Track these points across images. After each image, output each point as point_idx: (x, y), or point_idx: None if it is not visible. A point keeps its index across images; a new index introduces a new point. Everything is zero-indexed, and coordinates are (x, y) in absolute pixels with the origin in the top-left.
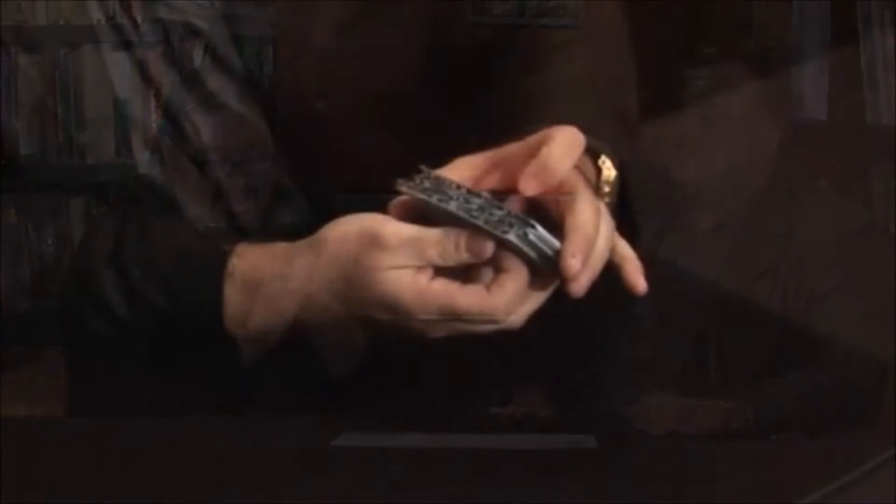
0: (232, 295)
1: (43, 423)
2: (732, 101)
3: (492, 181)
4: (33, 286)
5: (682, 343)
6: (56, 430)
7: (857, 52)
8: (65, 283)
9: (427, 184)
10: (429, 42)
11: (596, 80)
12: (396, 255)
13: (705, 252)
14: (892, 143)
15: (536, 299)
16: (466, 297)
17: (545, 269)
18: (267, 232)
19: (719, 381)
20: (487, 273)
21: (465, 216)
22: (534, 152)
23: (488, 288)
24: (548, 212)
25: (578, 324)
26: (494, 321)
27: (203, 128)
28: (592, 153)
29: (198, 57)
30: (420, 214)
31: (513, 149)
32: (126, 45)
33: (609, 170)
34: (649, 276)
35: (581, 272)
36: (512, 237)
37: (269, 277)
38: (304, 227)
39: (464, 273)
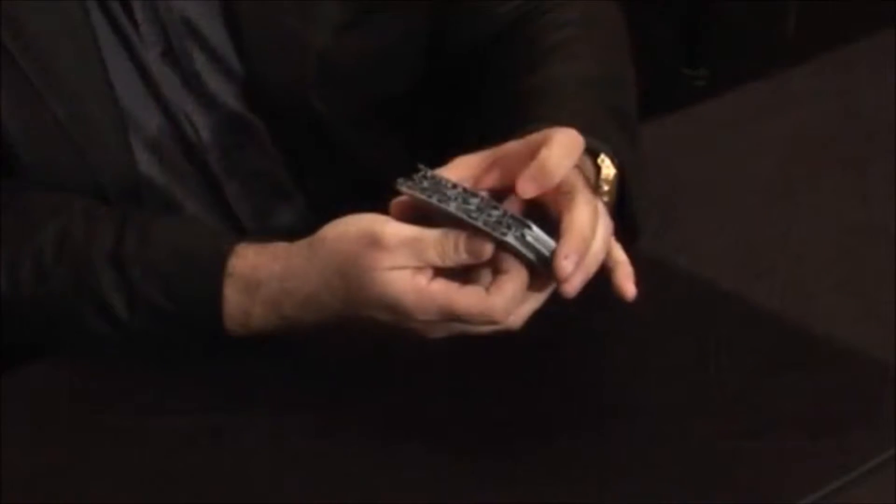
0: (232, 295)
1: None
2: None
3: (491, 180)
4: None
5: None
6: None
7: None
8: (64, 283)
9: (425, 183)
10: (428, 41)
11: (596, 80)
12: (396, 255)
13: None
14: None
15: (536, 300)
16: (466, 297)
17: (542, 269)
18: (267, 232)
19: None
20: (487, 274)
21: (465, 217)
22: (533, 152)
23: (487, 289)
24: (546, 211)
25: None
26: (493, 322)
27: (203, 128)
28: (592, 151)
29: (198, 57)
30: (420, 214)
31: (512, 147)
32: (126, 45)
33: (608, 168)
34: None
35: (574, 273)
36: (510, 239)
37: (268, 277)
38: (304, 227)
39: (463, 274)
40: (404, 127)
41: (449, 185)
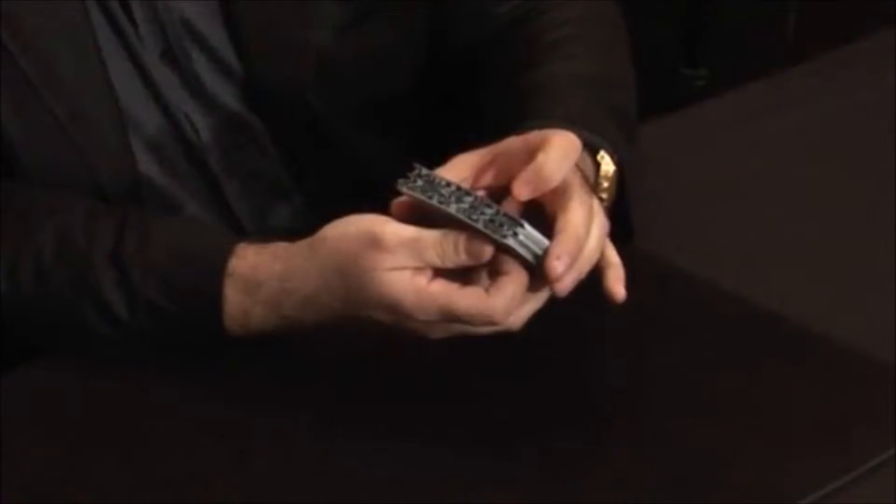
0: (232, 295)
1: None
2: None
3: (489, 178)
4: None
5: None
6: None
7: None
8: (64, 283)
9: (419, 182)
10: (427, 41)
11: (595, 78)
12: (396, 255)
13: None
14: None
15: (536, 301)
16: (465, 298)
17: (537, 269)
18: (266, 231)
19: None
20: (487, 275)
21: (466, 219)
22: (531, 153)
23: (487, 290)
24: (542, 209)
25: None
26: (493, 323)
27: (202, 128)
28: (591, 148)
29: (197, 57)
30: (421, 214)
31: (510, 145)
32: (125, 45)
33: (608, 165)
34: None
35: (565, 273)
36: (511, 241)
37: (268, 277)
38: (304, 226)
39: (463, 274)
40: (403, 127)
41: (443, 184)
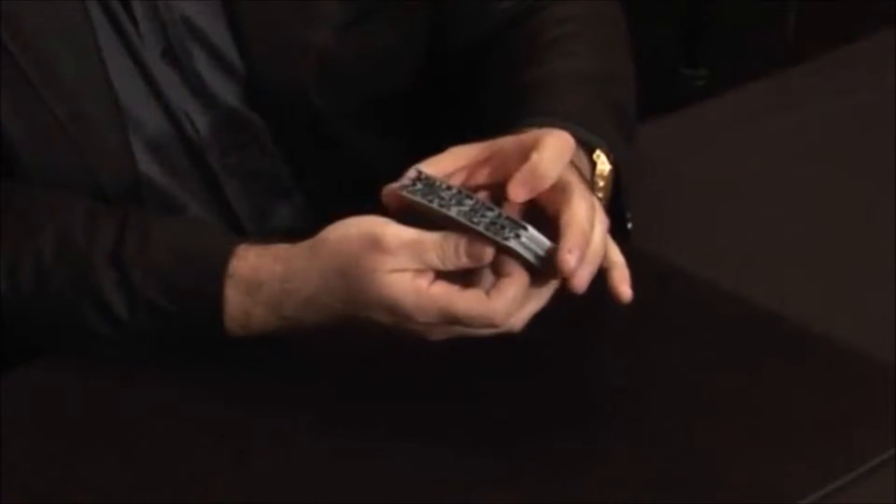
0: (232, 296)
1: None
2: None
3: (483, 176)
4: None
5: None
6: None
7: None
8: (64, 283)
9: (419, 184)
10: (428, 39)
11: (594, 75)
12: (397, 257)
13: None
14: None
15: (537, 302)
16: (466, 300)
17: (541, 270)
18: (266, 231)
19: None
20: (487, 277)
21: (467, 223)
22: (525, 153)
23: (488, 292)
24: (542, 207)
25: None
26: (494, 325)
27: (203, 127)
28: (588, 147)
29: (198, 56)
30: (420, 214)
31: (505, 144)
32: (126, 44)
33: (604, 164)
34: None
35: (579, 267)
36: (513, 244)
37: (269, 278)
38: (304, 226)
39: (464, 276)
40: (404, 126)
41: (443, 187)
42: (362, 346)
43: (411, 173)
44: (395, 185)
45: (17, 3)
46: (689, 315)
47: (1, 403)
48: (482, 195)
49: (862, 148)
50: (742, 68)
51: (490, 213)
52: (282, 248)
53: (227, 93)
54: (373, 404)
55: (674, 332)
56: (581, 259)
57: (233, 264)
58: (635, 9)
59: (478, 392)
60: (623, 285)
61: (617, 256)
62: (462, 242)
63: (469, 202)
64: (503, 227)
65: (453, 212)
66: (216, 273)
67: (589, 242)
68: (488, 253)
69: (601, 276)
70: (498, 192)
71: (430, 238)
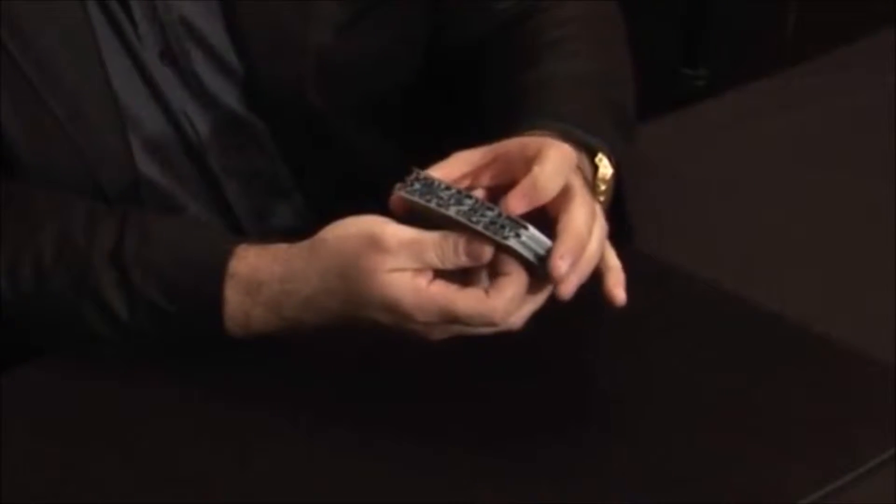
0: (232, 296)
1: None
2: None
3: (486, 178)
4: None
5: None
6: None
7: None
8: (64, 283)
9: (417, 185)
10: (427, 40)
11: (593, 77)
12: (396, 257)
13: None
14: None
15: (536, 301)
16: (465, 299)
17: (541, 269)
18: (266, 231)
19: None
20: (486, 276)
21: (466, 222)
22: (529, 159)
23: (487, 291)
24: (544, 209)
25: None
26: (493, 324)
27: (202, 127)
28: (589, 150)
29: (196, 56)
30: (420, 214)
31: (509, 147)
32: (125, 44)
33: (606, 167)
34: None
35: (569, 274)
36: (512, 242)
37: (269, 279)
38: (304, 226)
39: (463, 276)
40: (403, 125)
41: (442, 187)
42: (362, 346)
43: (410, 174)
44: (396, 188)
45: (17, 3)
46: (689, 315)
47: (1, 403)
48: (480, 193)
49: (862, 148)
50: (742, 68)
51: (490, 213)
52: (281, 249)
53: (225, 93)
54: (373, 404)
55: (674, 332)
56: (572, 266)
57: (232, 264)
58: (635, 9)
59: (477, 391)
60: (617, 289)
61: (613, 260)
62: (461, 241)
63: (468, 202)
64: (503, 227)
65: (452, 211)
66: (216, 273)
67: (584, 249)
68: (487, 252)
69: (601, 277)
70: (500, 193)
71: (430, 237)
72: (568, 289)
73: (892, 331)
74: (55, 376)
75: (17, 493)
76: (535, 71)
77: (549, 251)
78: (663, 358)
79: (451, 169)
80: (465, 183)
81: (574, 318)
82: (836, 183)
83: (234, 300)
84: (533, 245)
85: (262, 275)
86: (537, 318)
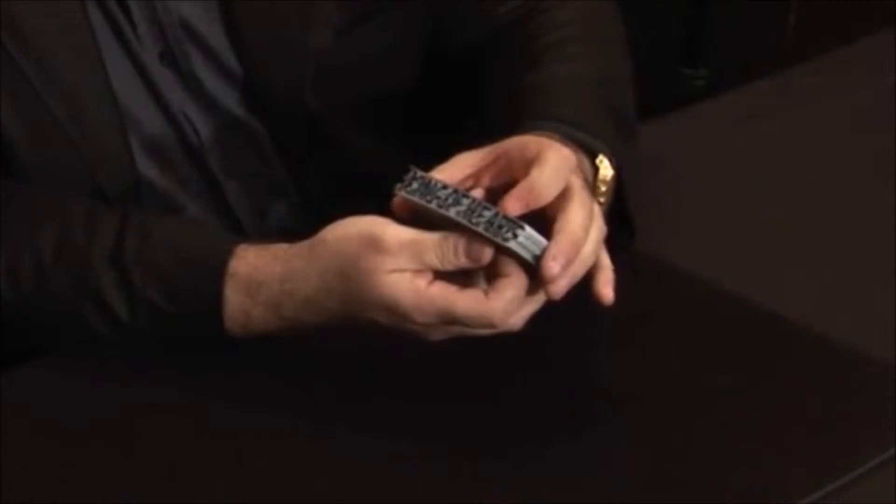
0: (232, 296)
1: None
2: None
3: (487, 178)
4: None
5: None
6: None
7: None
8: (64, 284)
9: (415, 185)
10: (427, 42)
11: (594, 79)
12: (396, 258)
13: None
14: None
15: (536, 302)
16: (465, 301)
17: (537, 269)
18: (266, 232)
19: None
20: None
21: (466, 223)
22: (528, 160)
23: (486, 292)
24: (543, 208)
25: None
26: (492, 325)
27: (202, 128)
28: (590, 152)
29: (196, 58)
30: (420, 215)
31: (511, 147)
32: (125, 45)
33: (606, 169)
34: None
35: (560, 275)
36: (511, 243)
37: (269, 279)
38: (304, 227)
39: (463, 276)
40: (403, 127)
41: (439, 186)
42: (362, 346)
43: (407, 173)
44: (396, 189)
45: (17, 3)
46: (689, 315)
47: (1, 403)
48: (479, 193)
49: (862, 148)
50: (742, 68)
51: (487, 213)
52: (281, 249)
53: (225, 95)
54: (372, 404)
55: (674, 332)
56: (564, 268)
57: (232, 264)
58: (635, 9)
59: (477, 392)
60: (606, 288)
61: (605, 260)
62: (461, 243)
63: (466, 201)
64: (501, 227)
65: (452, 212)
66: (216, 273)
67: (579, 250)
68: (487, 253)
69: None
70: (500, 193)
71: (430, 238)
72: (558, 289)
73: (892, 331)
74: (55, 376)
75: (17, 493)
76: (536, 73)
77: (545, 251)
78: (663, 358)
79: (454, 171)
80: (467, 184)
81: (574, 318)
82: (836, 183)
83: (234, 300)
84: (530, 245)
85: (262, 275)
86: (537, 318)
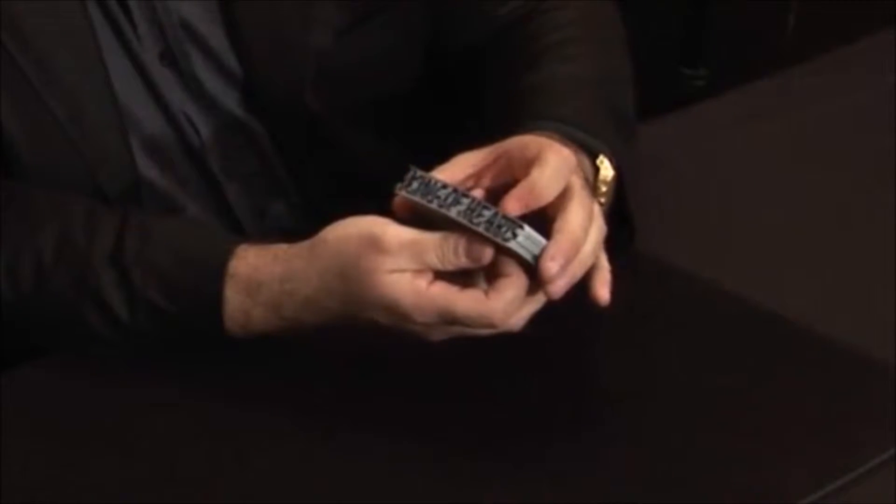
0: (232, 296)
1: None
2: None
3: (487, 179)
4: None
5: None
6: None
7: None
8: (64, 284)
9: (414, 184)
10: (427, 43)
11: (594, 79)
12: (396, 258)
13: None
14: None
15: (536, 302)
16: (465, 301)
17: (536, 269)
18: (266, 232)
19: None
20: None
21: (467, 223)
22: (529, 160)
23: (487, 293)
24: (543, 208)
25: None
26: (493, 326)
27: (203, 129)
28: (590, 152)
29: (196, 59)
30: (420, 215)
31: (511, 146)
32: (125, 45)
33: (607, 169)
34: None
35: (558, 275)
36: (512, 244)
37: (269, 279)
38: (304, 227)
39: (464, 276)
40: (403, 127)
41: (439, 186)
42: (362, 346)
43: (407, 173)
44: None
45: (17, 3)
46: (689, 315)
47: (1, 403)
48: (479, 193)
49: (862, 148)
50: (742, 68)
51: (487, 213)
52: (281, 249)
53: (225, 96)
54: (373, 404)
55: (674, 332)
56: (563, 267)
57: (232, 264)
58: (635, 9)
59: (477, 392)
60: (603, 288)
61: (603, 260)
62: (461, 243)
63: (466, 201)
64: (500, 227)
65: (453, 212)
66: (216, 273)
67: (578, 250)
68: (488, 253)
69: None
70: (501, 193)
71: (430, 238)
72: (556, 289)
73: (892, 331)
74: (55, 376)
75: (17, 493)
76: (536, 73)
77: (544, 251)
78: (663, 358)
79: (454, 171)
80: (468, 184)
81: (574, 318)
82: (836, 183)
83: (234, 300)
84: (529, 245)
85: (262, 275)
86: (537, 318)
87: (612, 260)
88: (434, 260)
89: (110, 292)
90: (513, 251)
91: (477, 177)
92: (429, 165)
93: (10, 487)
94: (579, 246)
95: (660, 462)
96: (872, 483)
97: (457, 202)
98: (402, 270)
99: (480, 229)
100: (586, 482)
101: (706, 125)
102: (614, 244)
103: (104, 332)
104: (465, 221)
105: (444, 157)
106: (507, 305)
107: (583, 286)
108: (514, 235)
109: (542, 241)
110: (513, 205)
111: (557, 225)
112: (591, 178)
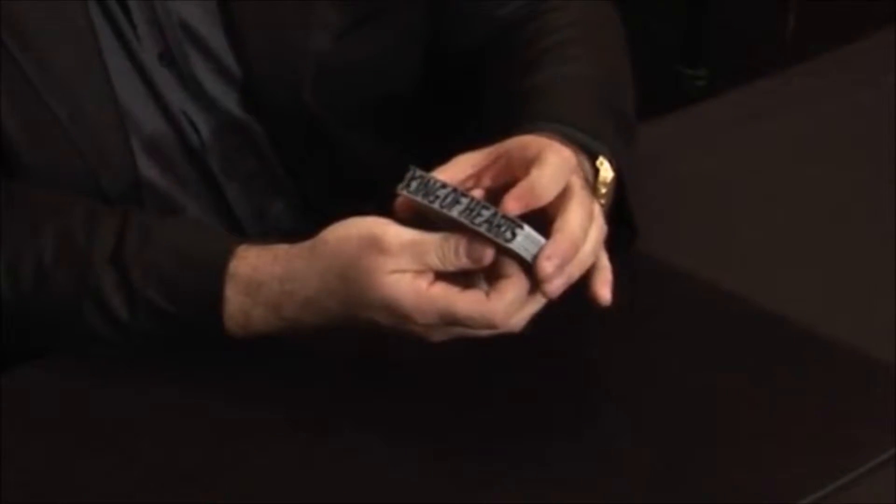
0: (232, 296)
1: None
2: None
3: (487, 179)
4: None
5: None
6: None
7: None
8: (64, 284)
9: (415, 185)
10: (427, 44)
11: (594, 80)
12: (397, 258)
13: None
14: None
15: (537, 302)
16: (466, 301)
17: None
18: (266, 233)
19: None
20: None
21: (467, 223)
22: (529, 161)
23: (488, 293)
24: (542, 208)
25: None
26: (494, 326)
27: (203, 129)
28: (590, 153)
29: (196, 59)
30: (420, 215)
31: (511, 147)
32: (125, 46)
33: (606, 171)
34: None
35: (554, 275)
36: (511, 244)
37: (269, 279)
38: (304, 228)
39: (464, 277)
40: (402, 128)
41: (438, 185)
42: (362, 346)
43: (407, 173)
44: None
45: (17, 3)
46: (689, 315)
47: (1, 403)
48: (479, 193)
49: (862, 148)
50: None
51: (486, 212)
52: (282, 249)
53: (225, 96)
54: (373, 404)
55: (674, 332)
56: (560, 267)
57: (233, 265)
58: (635, 9)
59: (477, 392)
60: (604, 288)
61: (603, 260)
62: (462, 243)
63: (465, 200)
64: (500, 226)
65: (453, 212)
66: (216, 273)
67: (577, 250)
68: (488, 254)
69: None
70: (501, 193)
71: (431, 239)
72: (553, 289)
73: (892, 331)
74: (55, 376)
75: (17, 493)
76: (536, 75)
77: (541, 250)
78: (663, 358)
79: (454, 171)
80: (468, 185)
81: (575, 318)
82: (836, 183)
83: (235, 300)
84: (529, 245)
85: (263, 275)
86: (538, 318)
87: (612, 260)
88: (435, 260)
89: (110, 292)
90: (512, 251)
91: (477, 177)
92: (429, 165)
93: (10, 487)
94: (578, 246)
95: (660, 462)
96: (872, 483)
97: (456, 202)
98: (403, 271)
99: (481, 229)
100: (587, 482)
101: (706, 125)
102: (615, 244)
103: (104, 332)
104: (465, 221)
105: (444, 157)
106: (507, 306)
107: (583, 286)
108: (514, 235)
109: (542, 241)
110: (512, 204)
111: (557, 225)
112: (591, 179)
